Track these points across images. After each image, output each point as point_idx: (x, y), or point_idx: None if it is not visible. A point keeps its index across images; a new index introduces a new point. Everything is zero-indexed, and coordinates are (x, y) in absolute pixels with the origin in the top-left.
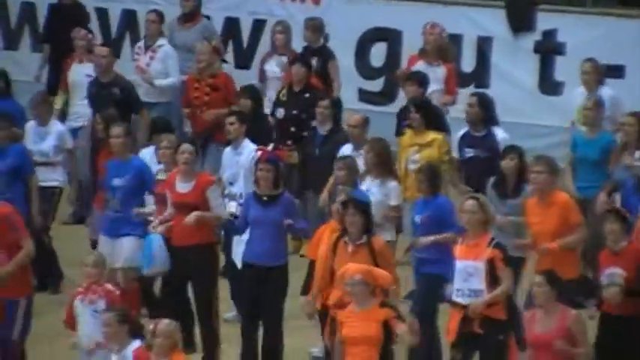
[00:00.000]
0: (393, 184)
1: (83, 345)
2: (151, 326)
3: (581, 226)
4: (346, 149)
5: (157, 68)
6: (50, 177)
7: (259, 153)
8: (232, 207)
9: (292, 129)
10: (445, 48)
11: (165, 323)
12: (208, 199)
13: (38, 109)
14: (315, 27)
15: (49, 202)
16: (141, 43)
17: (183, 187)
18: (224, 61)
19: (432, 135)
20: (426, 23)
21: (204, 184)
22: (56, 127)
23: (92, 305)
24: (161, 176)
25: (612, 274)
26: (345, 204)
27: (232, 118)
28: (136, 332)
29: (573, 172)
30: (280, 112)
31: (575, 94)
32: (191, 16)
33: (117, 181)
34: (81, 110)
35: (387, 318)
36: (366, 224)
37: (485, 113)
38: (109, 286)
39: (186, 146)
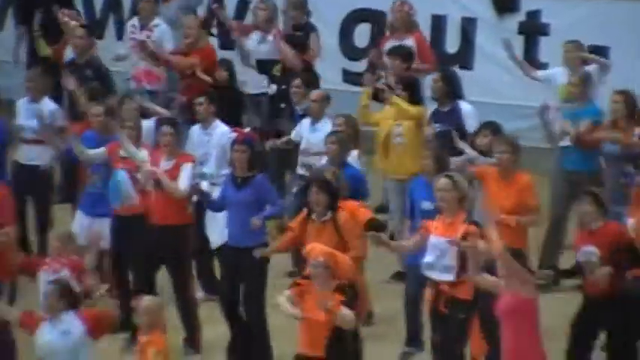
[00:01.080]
0: (354, 152)
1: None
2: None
3: (537, 210)
4: (305, 123)
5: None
6: (40, 156)
7: (235, 134)
8: (204, 186)
9: (282, 105)
10: (411, 20)
11: (145, 300)
12: (180, 173)
13: (32, 85)
14: (297, 4)
15: (46, 184)
16: (134, 21)
17: (164, 164)
18: (211, 34)
19: (413, 108)
20: (394, 1)
21: (182, 163)
22: (48, 104)
23: (55, 274)
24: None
25: (588, 253)
26: (308, 183)
27: (201, 99)
28: (74, 304)
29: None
30: (272, 88)
31: (555, 74)
32: None
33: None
34: None
35: (331, 307)
36: (330, 202)
37: (449, 88)
38: (75, 257)
39: (165, 128)
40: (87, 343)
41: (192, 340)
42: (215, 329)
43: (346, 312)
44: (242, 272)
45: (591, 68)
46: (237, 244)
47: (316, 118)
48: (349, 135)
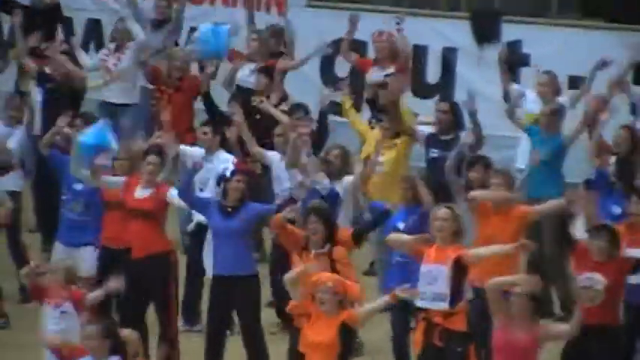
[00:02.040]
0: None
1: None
2: None
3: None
4: (273, 156)
5: (124, 64)
6: (9, 182)
7: (235, 164)
8: (200, 216)
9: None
10: (395, 50)
11: (125, 333)
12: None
13: (10, 111)
14: (275, 32)
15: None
16: (111, 46)
17: (141, 192)
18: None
19: (397, 139)
20: (372, 32)
21: (163, 194)
22: (21, 129)
23: (59, 307)
24: None
25: (592, 279)
26: (307, 212)
27: (206, 128)
28: (117, 348)
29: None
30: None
31: (527, 97)
32: (164, 22)
33: (80, 186)
34: None
35: (344, 318)
36: (328, 233)
37: (456, 119)
38: (74, 287)
39: (152, 157)
40: None
41: None
42: None
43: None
44: (235, 302)
45: (562, 100)
46: (229, 274)
47: (282, 150)
48: (339, 167)
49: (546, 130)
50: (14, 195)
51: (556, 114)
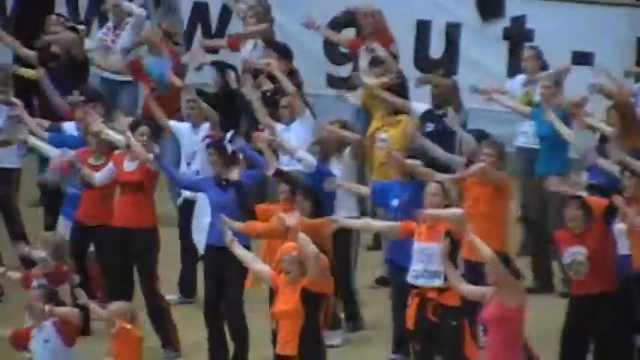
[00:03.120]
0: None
1: None
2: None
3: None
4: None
5: (124, 37)
6: (6, 158)
7: (207, 140)
8: (188, 192)
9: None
10: (382, 28)
11: (115, 304)
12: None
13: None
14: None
15: (8, 184)
16: (110, 24)
17: (129, 165)
18: (175, 43)
19: (399, 116)
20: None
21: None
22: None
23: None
24: None
25: (575, 253)
26: (294, 190)
27: (193, 98)
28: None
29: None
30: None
31: (518, 81)
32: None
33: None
34: None
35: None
36: (314, 211)
37: (451, 95)
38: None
39: (144, 128)
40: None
41: (170, 343)
42: (194, 332)
43: (304, 236)
44: (225, 273)
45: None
46: (222, 245)
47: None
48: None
49: (548, 105)
50: (10, 171)
51: (554, 87)
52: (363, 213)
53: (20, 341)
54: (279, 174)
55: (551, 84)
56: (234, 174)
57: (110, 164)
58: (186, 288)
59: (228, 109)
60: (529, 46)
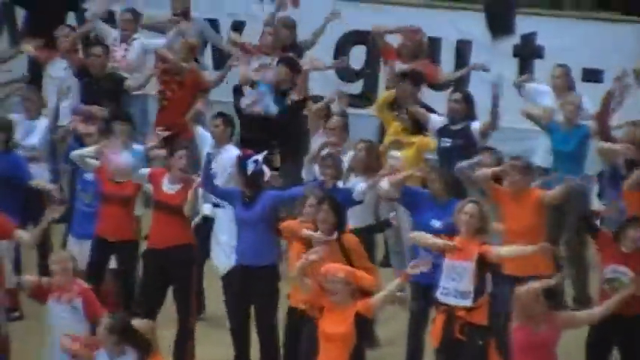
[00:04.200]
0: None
1: (59, 344)
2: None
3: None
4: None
5: (132, 58)
6: (38, 174)
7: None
8: (206, 209)
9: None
10: (419, 48)
11: (139, 322)
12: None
13: (28, 103)
14: (288, 23)
15: (39, 201)
16: (117, 35)
17: (170, 188)
18: (196, 60)
19: (415, 137)
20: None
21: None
22: (44, 121)
23: (69, 303)
24: None
25: (618, 270)
26: (320, 200)
27: (218, 121)
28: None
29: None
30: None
31: (542, 92)
32: (184, 15)
33: (90, 176)
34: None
35: (358, 308)
36: (337, 222)
37: (469, 109)
38: (80, 282)
39: (183, 152)
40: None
41: None
42: (207, 350)
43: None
44: (253, 292)
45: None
46: (248, 263)
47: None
48: (366, 162)
49: (570, 123)
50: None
51: (579, 106)
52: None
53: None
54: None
55: (577, 103)
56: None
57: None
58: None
59: (250, 128)
60: (558, 65)
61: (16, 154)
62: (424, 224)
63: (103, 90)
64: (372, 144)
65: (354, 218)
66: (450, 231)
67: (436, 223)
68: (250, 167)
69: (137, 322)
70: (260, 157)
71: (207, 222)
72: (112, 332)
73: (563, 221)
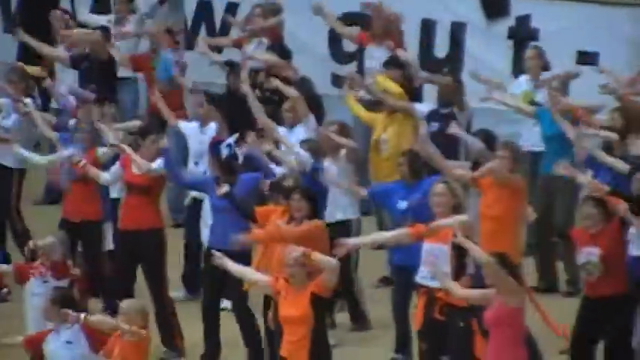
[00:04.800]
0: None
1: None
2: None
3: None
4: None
5: (126, 39)
6: (9, 157)
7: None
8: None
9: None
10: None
11: (126, 302)
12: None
13: (12, 85)
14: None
15: (9, 183)
16: (111, 17)
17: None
18: (176, 42)
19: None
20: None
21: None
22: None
23: (42, 277)
24: None
25: (590, 253)
26: (291, 190)
27: (201, 99)
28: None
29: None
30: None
31: (520, 81)
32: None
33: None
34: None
35: (312, 288)
36: (311, 211)
37: (459, 93)
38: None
39: (154, 136)
40: (90, 356)
41: (173, 343)
42: (198, 331)
43: (322, 256)
44: (225, 276)
45: (549, 74)
46: (222, 248)
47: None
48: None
49: (555, 108)
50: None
51: (561, 88)
52: (365, 213)
53: (34, 344)
54: (275, 187)
55: (559, 87)
56: (222, 188)
57: (117, 165)
58: (191, 284)
59: (239, 110)
60: (532, 46)
61: None
62: (392, 208)
63: (102, 75)
64: (344, 124)
65: (340, 210)
66: (414, 209)
67: (402, 204)
68: (224, 152)
69: (124, 302)
70: (232, 140)
71: (197, 203)
72: (55, 303)
73: (553, 205)
